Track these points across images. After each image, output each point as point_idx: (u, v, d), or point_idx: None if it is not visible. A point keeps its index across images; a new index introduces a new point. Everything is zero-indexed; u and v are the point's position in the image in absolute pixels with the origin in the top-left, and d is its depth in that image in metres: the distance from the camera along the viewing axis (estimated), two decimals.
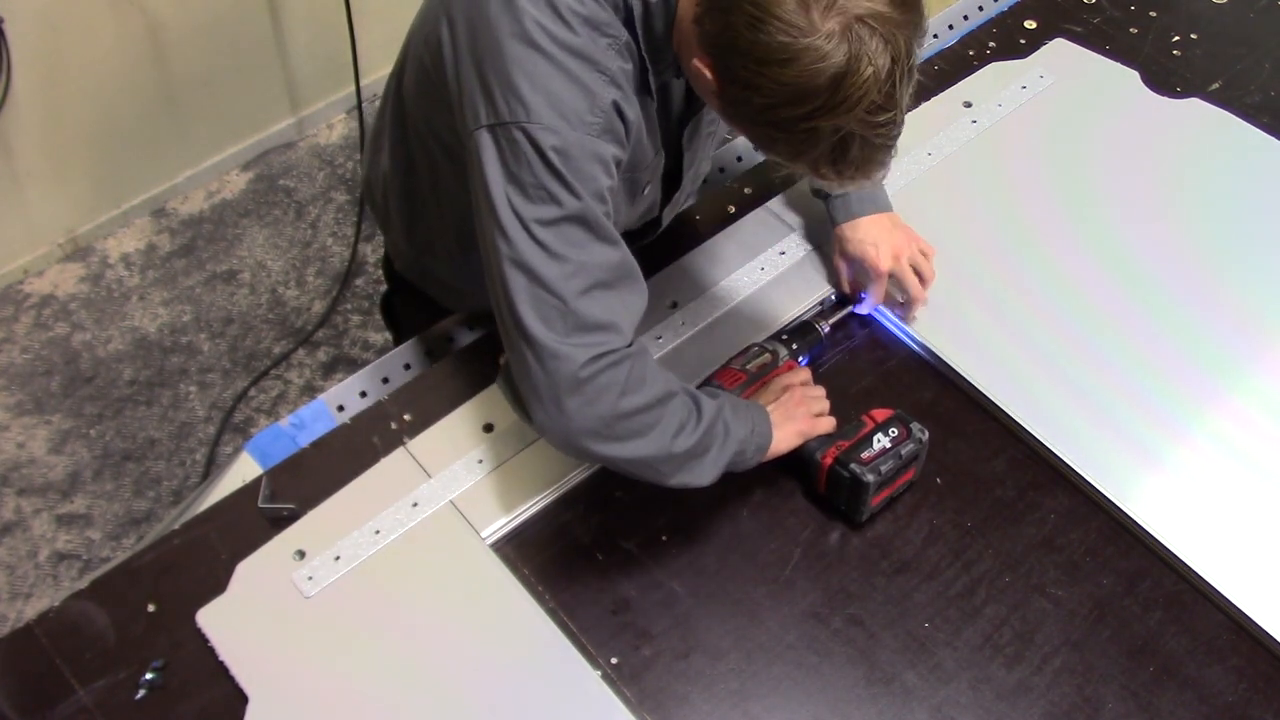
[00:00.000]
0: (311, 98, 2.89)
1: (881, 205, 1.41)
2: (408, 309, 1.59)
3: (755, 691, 1.16)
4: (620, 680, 1.16)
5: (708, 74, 1.00)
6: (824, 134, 0.97)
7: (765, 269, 1.46)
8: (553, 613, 1.19)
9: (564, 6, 1.04)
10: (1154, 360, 1.39)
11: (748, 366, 1.31)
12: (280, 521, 1.23)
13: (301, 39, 2.72)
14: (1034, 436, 1.32)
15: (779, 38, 0.93)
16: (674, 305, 1.43)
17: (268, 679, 1.14)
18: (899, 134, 1.01)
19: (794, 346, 1.35)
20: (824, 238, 1.49)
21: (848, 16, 0.93)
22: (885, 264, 1.38)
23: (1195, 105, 1.68)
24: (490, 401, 1.33)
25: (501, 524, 1.25)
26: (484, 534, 1.24)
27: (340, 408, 1.37)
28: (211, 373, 2.51)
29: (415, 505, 1.25)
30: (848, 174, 1.02)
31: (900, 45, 0.95)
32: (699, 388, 1.20)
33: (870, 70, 0.93)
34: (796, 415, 1.25)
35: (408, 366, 1.41)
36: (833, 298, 1.45)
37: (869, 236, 1.39)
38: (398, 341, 1.66)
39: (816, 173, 1.02)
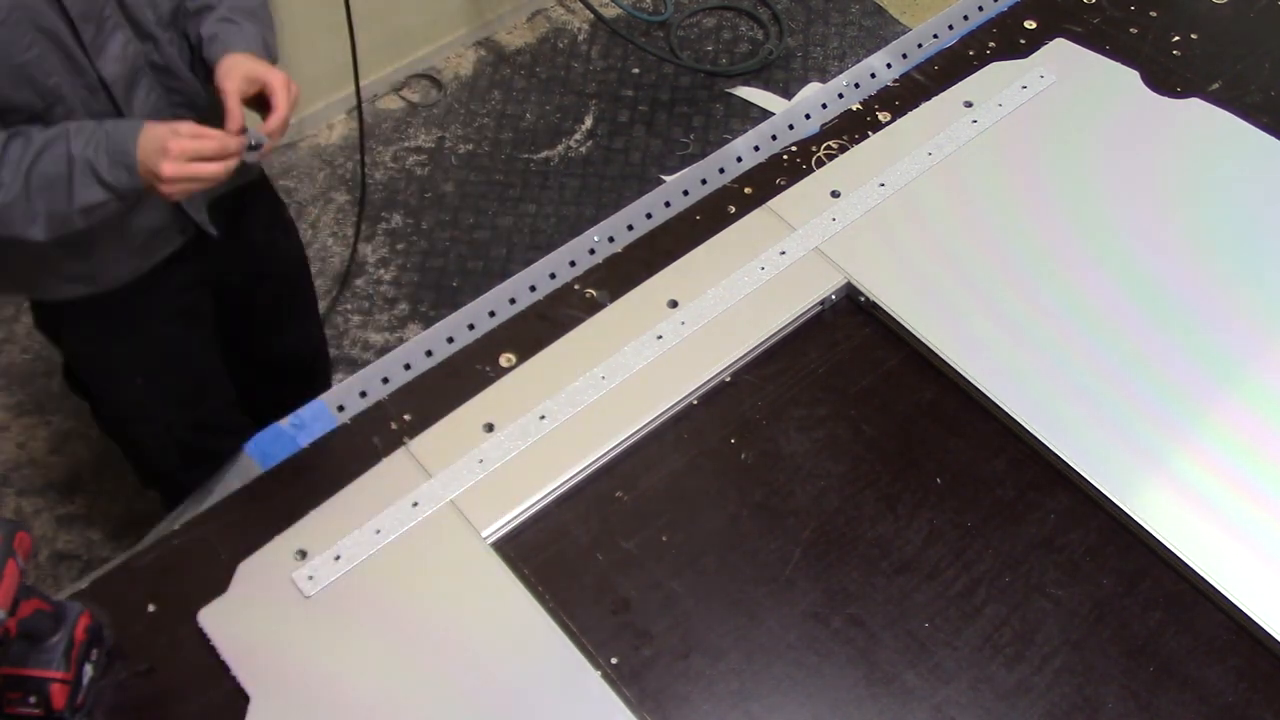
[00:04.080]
0: (311, 98, 2.89)
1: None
2: (86, 349, 1.66)
3: (755, 691, 1.16)
4: (620, 680, 1.16)
5: None
6: None
7: (765, 269, 1.46)
8: (553, 613, 1.19)
9: None
10: (1154, 360, 1.39)
11: None
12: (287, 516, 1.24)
13: (301, 39, 2.72)
14: (1034, 436, 1.32)
15: None
16: (674, 305, 1.43)
17: (269, 679, 1.14)
18: None
19: None
20: (824, 238, 1.49)
21: None
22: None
23: (1195, 105, 1.68)
24: (490, 401, 1.33)
25: (501, 524, 1.25)
26: (484, 534, 1.24)
27: (340, 408, 1.37)
28: None
29: (415, 505, 1.25)
30: None
31: None
32: None
33: None
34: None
35: (408, 367, 1.41)
36: None
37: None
38: (91, 398, 1.77)
39: None
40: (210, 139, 1.28)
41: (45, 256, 1.42)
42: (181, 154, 1.26)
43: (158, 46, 1.40)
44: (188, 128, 1.29)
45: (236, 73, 1.34)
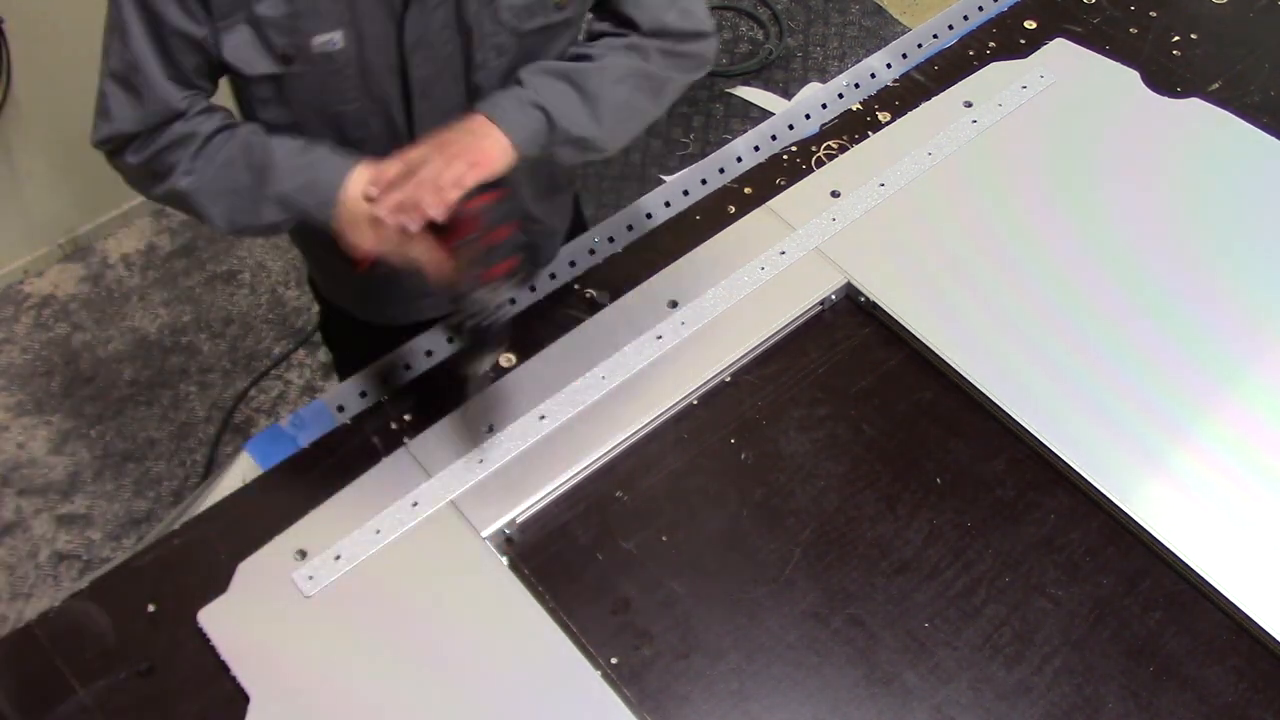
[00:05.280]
0: None
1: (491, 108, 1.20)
2: (343, 331, 1.60)
3: (755, 691, 1.16)
4: (620, 680, 1.16)
5: None
6: None
7: (765, 269, 1.46)
8: (553, 613, 1.19)
9: None
10: (1154, 360, 1.39)
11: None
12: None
13: None
14: (1034, 436, 1.32)
15: None
16: (674, 304, 1.43)
17: (269, 679, 1.14)
18: None
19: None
20: (824, 238, 1.49)
21: None
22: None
23: (1195, 105, 1.68)
24: (491, 402, 1.33)
25: (501, 524, 1.25)
26: (484, 534, 1.24)
27: (340, 408, 1.37)
28: (211, 373, 2.51)
29: (415, 505, 1.25)
30: None
31: None
32: None
33: None
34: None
35: (408, 367, 1.41)
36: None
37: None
38: (337, 364, 1.67)
39: None
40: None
41: (320, 260, 1.39)
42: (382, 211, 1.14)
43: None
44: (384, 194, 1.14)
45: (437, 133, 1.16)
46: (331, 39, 1.15)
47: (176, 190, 1.20)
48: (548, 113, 1.20)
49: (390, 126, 1.26)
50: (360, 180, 1.16)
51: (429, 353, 1.43)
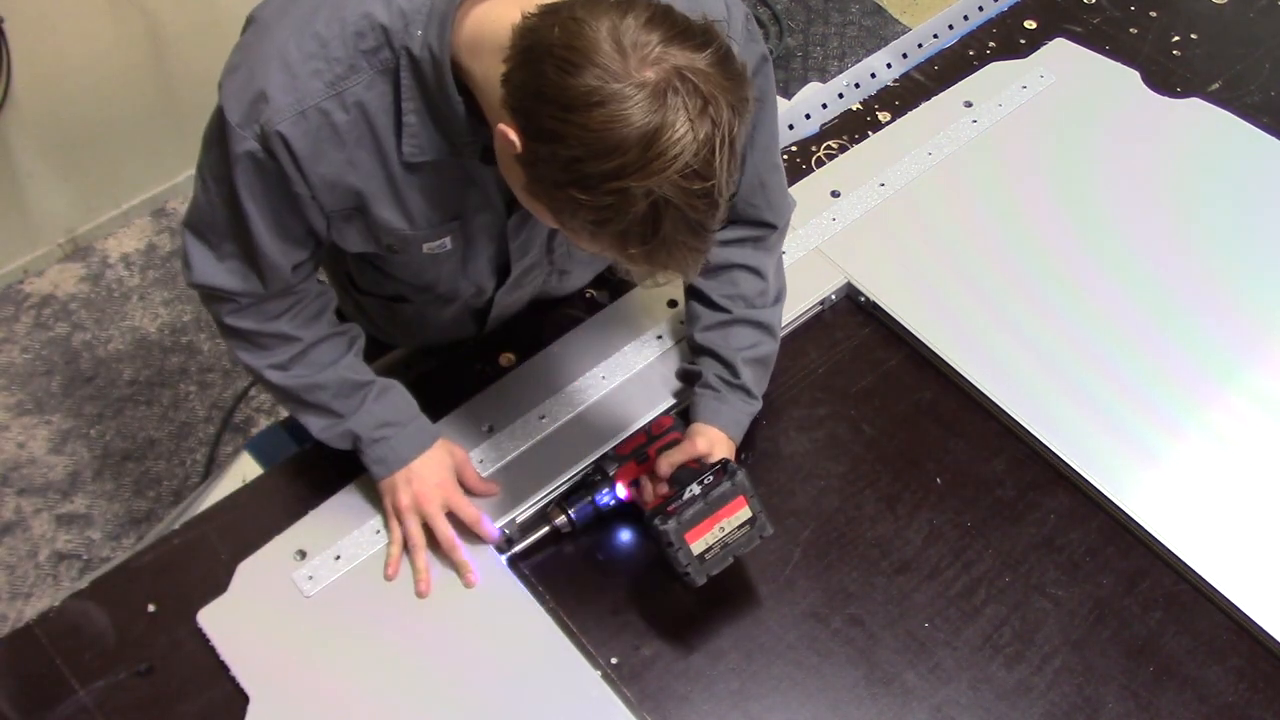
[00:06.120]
0: None
1: (726, 424, 1.27)
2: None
3: (755, 691, 1.16)
4: (620, 680, 1.16)
5: (511, 134, 0.89)
6: (634, 198, 0.86)
7: None
8: (553, 612, 1.19)
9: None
10: (1154, 360, 1.39)
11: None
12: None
13: None
14: (1034, 436, 1.32)
15: (590, 80, 0.84)
16: (673, 304, 1.43)
17: (268, 679, 1.14)
18: (718, 217, 0.90)
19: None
20: (824, 238, 1.49)
21: (666, 68, 0.84)
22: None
23: (1195, 105, 1.68)
24: (490, 402, 1.33)
25: (501, 524, 1.25)
26: None
27: None
28: (211, 373, 2.51)
29: None
30: (659, 257, 0.91)
31: (722, 110, 0.86)
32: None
33: (686, 126, 0.84)
34: (429, 489, 1.21)
35: (408, 366, 1.41)
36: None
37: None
38: None
39: (624, 252, 0.91)
40: (461, 554, 1.20)
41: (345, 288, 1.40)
42: (431, 524, 1.21)
43: (564, 278, 1.37)
44: (469, 510, 1.22)
45: (689, 454, 1.22)
46: (442, 243, 1.16)
47: (264, 377, 1.20)
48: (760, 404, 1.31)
49: (479, 294, 1.28)
50: (432, 472, 1.22)
51: (429, 353, 1.43)
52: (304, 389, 1.20)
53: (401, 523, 1.21)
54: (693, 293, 1.31)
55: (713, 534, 1.14)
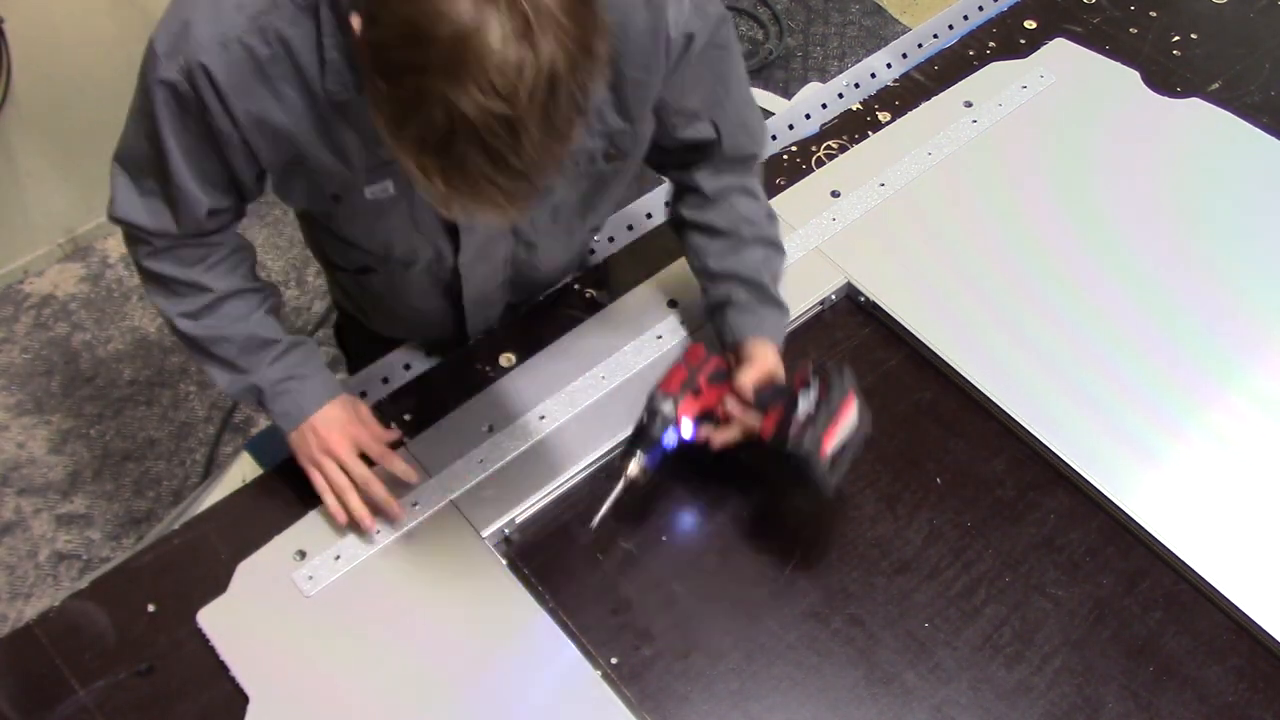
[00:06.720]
0: None
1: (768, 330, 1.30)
2: (356, 337, 1.60)
3: (755, 691, 1.16)
4: (620, 680, 1.16)
5: (355, 21, 0.87)
6: (432, 103, 0.81)
7: None
8: (553, 613, 1.19)
9: None
10: (1154, 359, 1.39)
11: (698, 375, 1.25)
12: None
13: None
14: (1034, 436, 1.32)
15: None
16: (674, 304, 1.43)
17: (268, 679, 1.14)
18: (530, 158, 0.84)
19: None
20: (824, 238, 1.49)
21: None
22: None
23: (1195, 105, 1.68)
24: (491, 401, 1.33)
25: (501, 524, 1.25)
26: (484, 534, 1.24)
27: None
28: None
29: (415, 505, 1.25)
30: (457, 181, 0.86)
31: (545, 42, 0.81)
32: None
33: (501, 41, 0.79)
34: (334, 434, 1.23)
35: (408, 367, 1.41)
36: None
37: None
38: (350, 367, 1.67)
39: (419, 165, 0.86)
40: (379, 488, 1.22)
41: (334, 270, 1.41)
42: (344, 466, 1.23)
43: (532, 251, 1.33)
44: (375, 446, 1.25)
45: (761, 371, 1.24)
46: (384, 186, 1.14)
47: (174, 325, 1.24)
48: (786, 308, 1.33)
49: (440, 259, 1.27)
50: (335, 418, 1.24)
51: (429, 353, 1.43)
52: (210, 340, 1.22)
53: (320, 469, 1.23)
54: (693, 226, 1.32)
55: (834, 441, 1.16)
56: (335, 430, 1.24)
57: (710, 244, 1.31)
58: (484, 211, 0.89)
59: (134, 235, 1.18)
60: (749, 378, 1.23)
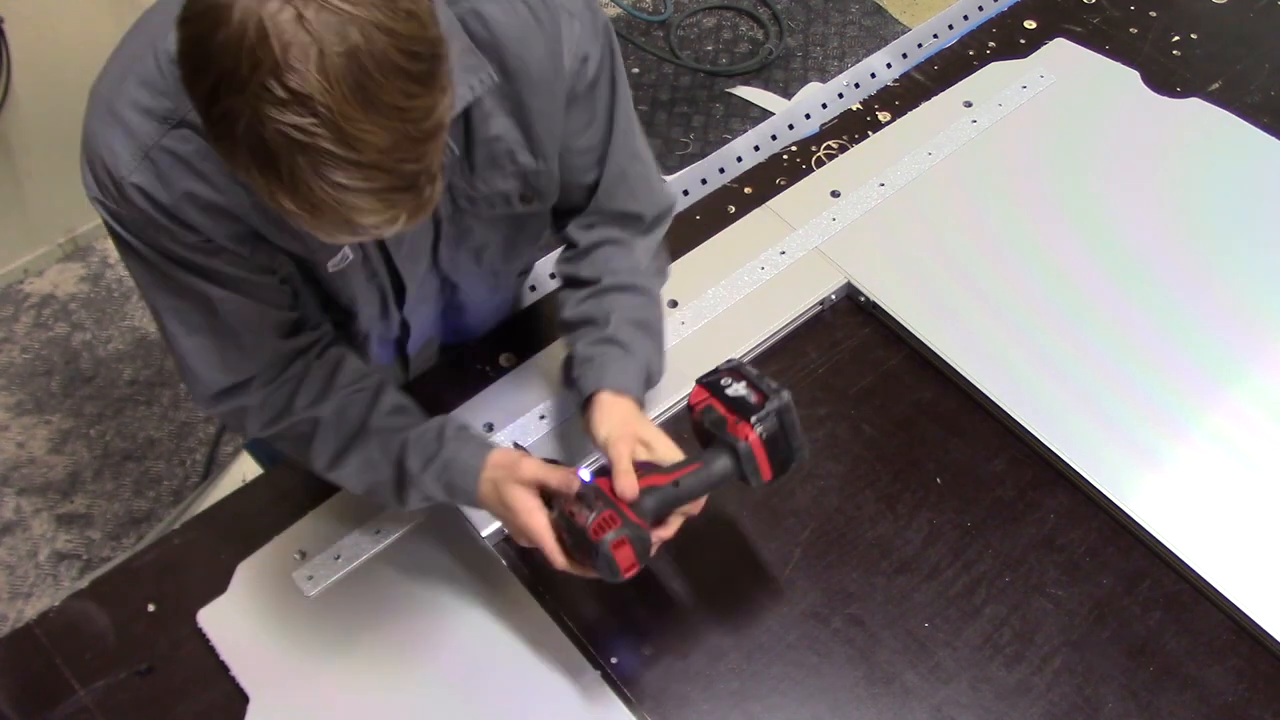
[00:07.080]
0: None
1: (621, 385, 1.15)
2: None
3: (755, 691, 1.16)
4: (620, 680, 1.16)
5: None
6: (238, 123, 0.75)
7: (765, 269, 1.46)
8: (553, 612, 1.19)
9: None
10: (1154, 359, 1.39)
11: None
12: None
13: None
14: (1034, 436, 1.32)
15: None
16: (674, 305, 1.43)
17: (268, 679, 1.14)
18: (377, 152, 0.76)
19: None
20: (824, 238, 1.49)
21: None
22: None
23: (1195, 105, 1.68)
24: (490, 402, 1.33)
25: (501, 524, 1.24)
26: (484, 534, 1.24)
27: None
28: None
29: None
30: (301, 196, 0.78)
31: (338, 24, 0.73)
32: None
33: (277, 36, 0.72)
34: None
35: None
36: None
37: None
38: None
39: (266, 194, 0.80)
40: (546, 539, 1.06)
41: None
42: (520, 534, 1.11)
43: (455, 293, 1.28)
44: (530, 506, 1.07)
45: (627, 433, 1.09)
46: (344, 255, 1.09)
47: (319, 470, 1.15)
48: (649, 373, 1.19)
49: (384, 303, 1.20)
50: (504, 473, 1.09)
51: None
52: (369, 491, 1.14)
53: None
54: (562, 280, 1.24)
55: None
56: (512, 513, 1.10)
57: (570, 294, 1.22)
58: (361, 218, 0.80)
59: (231, 408, 1.09)
60: (621, 464, 1.05)
